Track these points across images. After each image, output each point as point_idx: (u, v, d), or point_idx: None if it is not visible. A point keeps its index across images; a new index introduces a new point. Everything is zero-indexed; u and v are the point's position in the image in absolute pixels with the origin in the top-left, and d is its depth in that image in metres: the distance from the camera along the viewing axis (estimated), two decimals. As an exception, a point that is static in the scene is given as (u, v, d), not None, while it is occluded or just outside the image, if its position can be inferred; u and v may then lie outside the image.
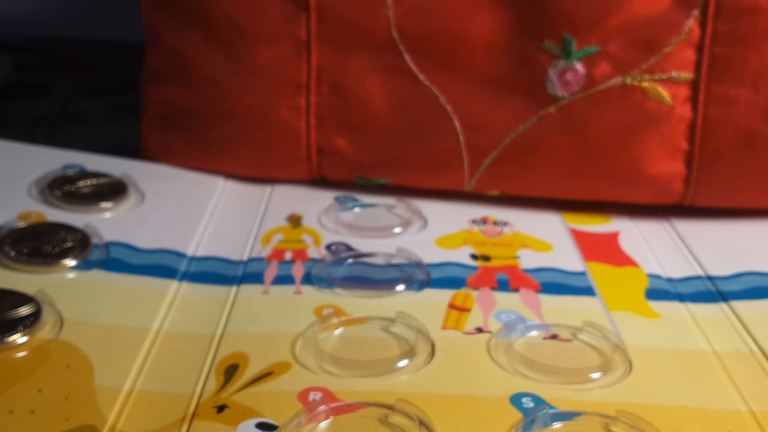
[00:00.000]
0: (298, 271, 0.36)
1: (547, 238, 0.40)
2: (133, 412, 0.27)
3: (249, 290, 0.34)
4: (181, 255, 0.37)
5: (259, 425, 0.26)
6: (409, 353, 0.30)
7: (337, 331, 0.32)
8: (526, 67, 0.40)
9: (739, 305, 0.35)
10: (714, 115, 0.39)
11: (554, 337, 0.32)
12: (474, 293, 0.35)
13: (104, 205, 0.40)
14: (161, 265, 0.36)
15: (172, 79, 0.43)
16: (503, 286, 0.36)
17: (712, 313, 0.34)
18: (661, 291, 0.36)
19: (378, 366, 0.30)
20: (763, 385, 0.30)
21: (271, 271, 0.36)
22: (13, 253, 0.35)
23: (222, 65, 0.42)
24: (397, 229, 0.40)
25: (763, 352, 0.31)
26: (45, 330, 0.30)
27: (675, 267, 0.38)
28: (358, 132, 0.42)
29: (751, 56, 0.39)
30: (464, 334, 0.32)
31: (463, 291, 0.35)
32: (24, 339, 0.30)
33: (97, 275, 0.35)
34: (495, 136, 0.41)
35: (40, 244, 0.35)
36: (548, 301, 0.35)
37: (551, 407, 0.28)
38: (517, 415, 0.27)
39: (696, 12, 0.39)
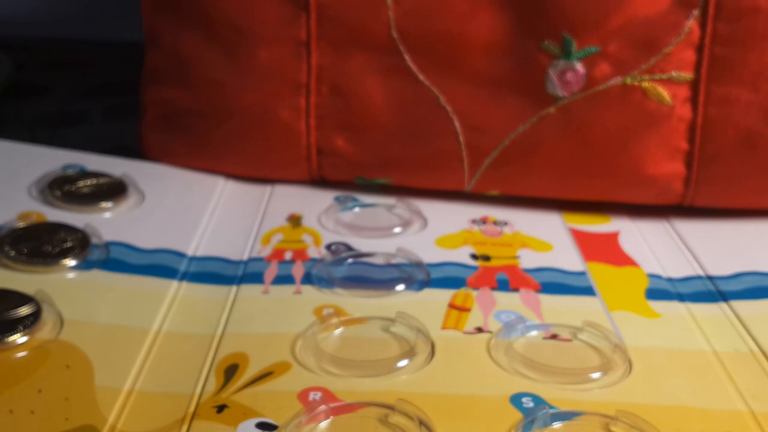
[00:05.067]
0: (298, 271, 0.36)
1: (547, 238, 0.40)
2: (133, 412, 0.27)
3: (249, 290, 0.34)
4: (181, 255, 0.37)
5: (259, 425, 0.26)
6: (409, 353, 0.30)
7: (337, 331, 0.32)
8: (526, 67, 0.40)
9: (739, 305, 0.35)
10: (714, 116, 0.39)
11: (554, 337, 0.32)
12: (474, 293, 0.35)
13: (104, 205, 0.40)
14: (161, 265, 0.36)
15: (172, 80, 0.43)
16: (503, 286, 0.36)
17: (712, 313, 0.34)
18: (661, 291, 0.36)
19: (378, 366, 0.30)
20: (763, 385, 0.30)
21: (271, 271, 0.36)
22: (13, 253, 0.35)
23: (222, 65, 0.42)
24: (397, 229, 0.40)
25: (763, 352, 0.32)
26: (45, 330, 0.30)
27: (675, 267, 0.38)
28: (358, 132, 0.42)
29: (751, 57, 0.39)
30: (464, 334, 0.32)
31: (463, 291, 0.35)
32: (24, 339, 0.30)
33: (97, 275, 0.35)
34: (495, 137, 0.41)
35: (40, 244, 0.35)
36: (548, 301, 0.35)
37: (551, 407, 0.28)
38: (517, 415, 0.27)
39: (696, 12, 0.39)
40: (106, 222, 0.39)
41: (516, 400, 0.28)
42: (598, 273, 0.37)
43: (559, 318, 0.33)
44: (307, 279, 0.35)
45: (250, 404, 0.27)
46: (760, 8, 0.38)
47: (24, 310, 0.31)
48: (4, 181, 0.41)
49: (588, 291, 0.36)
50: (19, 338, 0.30)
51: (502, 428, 0.27)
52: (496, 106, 0.40)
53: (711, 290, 0.36)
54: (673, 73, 0.39)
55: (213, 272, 0.36)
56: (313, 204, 0.42)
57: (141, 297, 0.33)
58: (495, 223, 0.41)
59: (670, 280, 0.37)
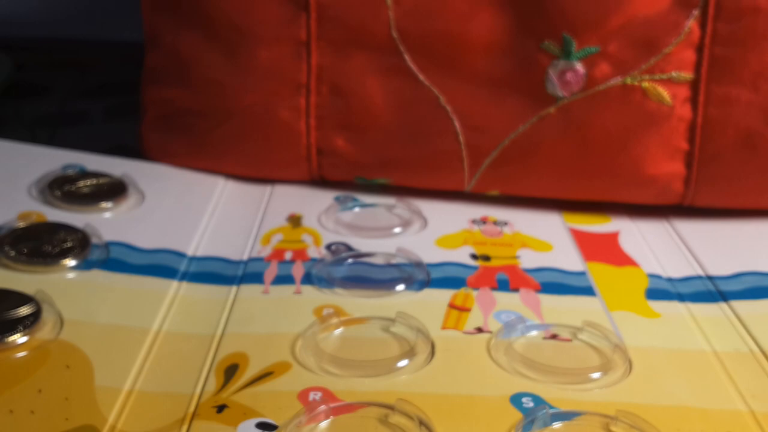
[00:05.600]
0: (298, 271, 0.36)
1: (547, 238, 0.40)
2: (133, 412, 0.27)
3: (249, 290, 0.34)
4: (181, 255, 0.37)
5: (259, 425, 0.26)
6: (409, 353, 0.30)
7: (337, 331, 0.32)
8: (526, 67, 0.40)
9: (739, 305, 0.35)
10: (714, 116, 0.39)
11: (554, 337, 0.32)
12: (474, 293, 0.35)
13: (104, 205, 0.40)
14: (161, 265, 0.36)
15: (172, 80, 0.43)
16: (503, 286, 0.36)
17: (712, 313, 0.34)
18: (661, 291, 0.36)
19: (378, 366, 0.30)
20: (763, 385, 0.30)
21: (271, 271, 0.36)
22: (13, 253, 0.35)
23: (222, 65, 0.42)
24: (397, 229, 0.40)
25: (763, 352, 0.32)
26: (45, 330, 0.30)
27: (675, 267, 0.38)
28: (358, 132, 0.42)
29: (751, 57, 0.39)
30: (464, 334, 0.32)
31: (463, 291, 0.35)
32: (24, 339, 0.30)
33: (97, 275, 0.35)
34: (495, 137, 0.41)
35: (40, 244, 0.35)
36: (548, 301, 0.35)
37: (551, 407, 0.28)
38: (517, 415, 0.27)
39: (696, 12, 0.39)
40: (106, 222, 0.39)
41: (516, 400, 0.28)
42: (598, 273, 0.37)
43: (559, 318, 0.33)
44: (307, 279, 0.35)
45: (250, 404, 0.27)
46: (760, 8, 0.38)
47: (24, 310, 0.31)
48: (4, 181, 0.41)
49: (588, 291, 0.36)
50: (19, 338, 0.30)
51: (502, 428, 0.27)
52: (496, 106, 0.40)
53: (711, 290, 0.36)
54: (673, 73, 0.39)
55: (213, 272, 0.36)
56: (313, 204, 0.42)
57: (141, 297, 0.33)
58: (495, 223, 0.41)
59: (670, 280, 0.37)
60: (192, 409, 0.27)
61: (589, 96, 0.40)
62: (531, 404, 0.28)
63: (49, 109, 0.56)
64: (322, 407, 0.27)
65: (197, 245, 0.38)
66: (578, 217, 0.42)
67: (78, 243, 0.36)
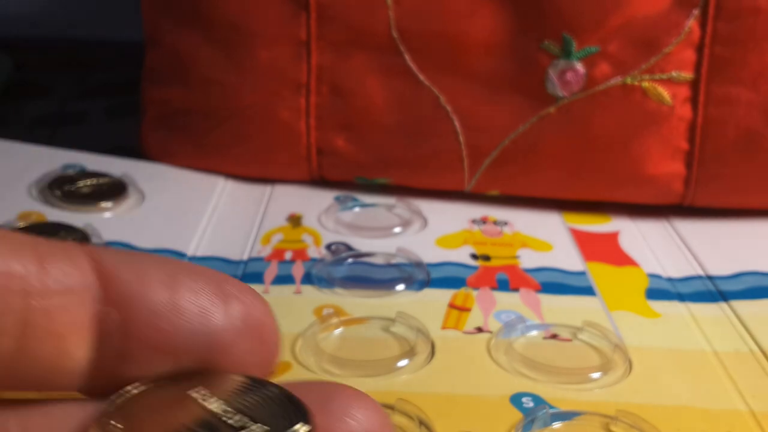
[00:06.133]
0: (298, 270, 0.36)
1: (547, 237, 0.40)
2: (133, 412, 0.27)
3: (249, 290, 0.34)
4: (181, 255, 0.37)
5: (259, 425, 0.26)
6: (409, 353, 0.30)
7: (337, 331, 0.32)
8: (526, 67, 0.40)
9: (739, 305, 0.35)
10: (714, 116, 0.39)
11: (554, 336, 0.32)
12: (474, 293, 0.35)
13: (104, 205, 0.40)
14: (161, 265, 0.36)
15: (172, 80, 0.43)
16: (503, 285, 0.36)
17: (712, 312, 0.34)
18: (661, 291, 0.36)
19: (378, 366, 0.30)
20: (763, 385, 0.30)
21: (271, 271, 0.36)
22: (13, 253, 0.34)
23: (222, 65, 0.42)
24: (397, 229, 0.40)
25: (763, 352, 0.31)
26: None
27: (675, 267, 0.38)
28: (358, 132, 0.42)
29: (751, 56, 0.39)
30: (464, 334, 0.32)
31: (463, 291, 0.35)
32: (24, 339, 0.30)
33: (97, 275, 0.34)
34: (495, 136, 0.41)
35: (40, 244, 0.35)
36: (548, 300, 0.35)
37: (551, 407, 0.28)
38: (517, 415, 0.27)
39: (696, 12, 0.39)
40: (106, 222, 0.39)
41: (516, 400, 0.28)
42: (598, 273, 0.37)
43: (559, 318, 0.33)
44: (307, 279, 0.35)
45: (250, 404, 0.27)
46: (760, 8, 0.38)
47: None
48: (4, 181, 0.41)
49: (588, 291, 0.36)
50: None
51: (502, 428, 0.27)
52: (496, 106, 0.40)
53: (711, 290, 0.36)
54: (673, 73, 0.39)
55: (213, 272, 0.36)
56: (313, 204, 0.42)
57: (141, 297, 0.33)
58: (495, 223, 0.41)
59: (670, 280, 0.37)
60: (192, 409, 0.27)
61: (589, 96, 0.40)
62: (531, 404, 0.28)
63: (49, 109, 0.56)
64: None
65: (197, 245, 0.38)
66: (578, 217, 0.42)
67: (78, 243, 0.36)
